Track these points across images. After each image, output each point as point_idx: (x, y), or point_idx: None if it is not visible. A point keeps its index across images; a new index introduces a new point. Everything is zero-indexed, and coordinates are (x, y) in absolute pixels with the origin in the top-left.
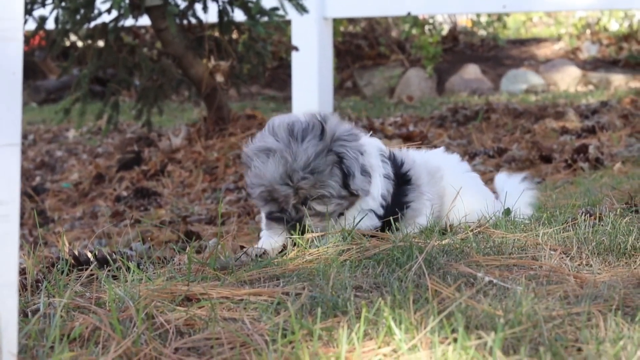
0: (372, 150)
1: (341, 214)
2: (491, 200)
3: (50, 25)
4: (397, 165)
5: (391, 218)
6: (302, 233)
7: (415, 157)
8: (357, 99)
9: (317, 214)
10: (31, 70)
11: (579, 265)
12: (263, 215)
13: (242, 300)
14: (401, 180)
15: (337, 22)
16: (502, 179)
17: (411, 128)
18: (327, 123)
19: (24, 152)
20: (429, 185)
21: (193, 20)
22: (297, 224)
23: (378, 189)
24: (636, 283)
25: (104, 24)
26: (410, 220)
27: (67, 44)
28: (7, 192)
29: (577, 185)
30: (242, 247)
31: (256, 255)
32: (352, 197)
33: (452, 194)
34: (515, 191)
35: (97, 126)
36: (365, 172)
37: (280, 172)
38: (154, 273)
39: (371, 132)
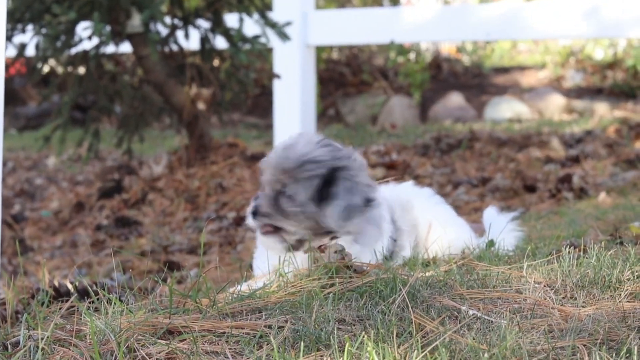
0: (384, 203)
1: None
2: (467, 229)
3: (30, 51)
4: None
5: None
6: (255, 214)
7: (386, 194)
8: (340, 127)
9: (268, 201)
10: (11, 97)
11: (563, 298)
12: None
13: (224, 333)
14: None
15: (320, 49)
16: (491, 215)
17: (394, 157)
18: (353, 155)
19: (3, 179)
20: (402, 218)
21: (175, 48)
22: (258, 203)
23: (383, 244)
24: (621, 317)
25: (85, 51)
26: (396, 256)
27: (48, 70)
28: None
29: (562, 215)
30: None
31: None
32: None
33: (424, 223)
34: (502, 231)
35: (78, 154)
36: (348, 213)
37: (287, 143)
38: (135, 305)
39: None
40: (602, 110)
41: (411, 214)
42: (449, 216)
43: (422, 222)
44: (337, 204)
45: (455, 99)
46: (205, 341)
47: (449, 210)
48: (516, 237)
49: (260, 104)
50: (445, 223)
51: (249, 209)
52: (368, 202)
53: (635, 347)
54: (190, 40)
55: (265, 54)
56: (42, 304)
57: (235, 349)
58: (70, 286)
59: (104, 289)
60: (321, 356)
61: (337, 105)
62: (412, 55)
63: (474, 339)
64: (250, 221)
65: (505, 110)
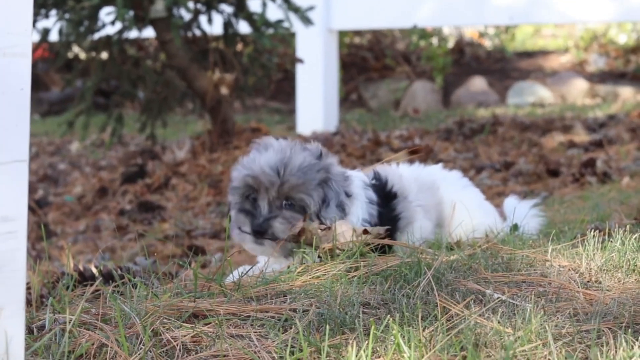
0: (356, 180)
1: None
2: (494, 213)
3: (53, 37)
4: (381, 184)
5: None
6: (262, 234)
7: (403, 172)
8: (363, 112)
9: (285, 221)
10: (34, 82)
11: (588, 282)
12: (233, 220)
13: (249, 316)
14: (388, 196)
15: (342, 34)
16: (512, 204)
17: (417, 141)
18: (325, 154)
19: None
20: (418, 193)
21: (198, 33)
22: (267, 223)
23: (359, 215)
24: None
25: (108, 36)
26: (405, 228)
27: (71, 56)
28: (14, 209)
29: (585, 199)
30: None
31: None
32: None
33: (449, 203)
34: (524, 217)
35: (101, 139)
36: (341, 208)
37: (275, 159)
38: (160, 289)
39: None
40: (626, 94)
41: (436, 194)
42: (475, 200)
43: (446, 201)
44: (332, 205)
45: (477, 84)
46: (231, 324)
47: (476, 194)
48: (539, 222)
49: (283, 88)
50: (470, 207)
51: (245, 227)
52: (347, 195)
53: None
54: (213, 25)
55: (288, 38)
56: (67, 287)
57: (260, 332)
58: (95, 270)
59: (128, 273)
60: (346, 339)
61: (359, 89)
62: (434, 40)
63: (499, 322)
64: (248, 242)
65: (528, 94)
